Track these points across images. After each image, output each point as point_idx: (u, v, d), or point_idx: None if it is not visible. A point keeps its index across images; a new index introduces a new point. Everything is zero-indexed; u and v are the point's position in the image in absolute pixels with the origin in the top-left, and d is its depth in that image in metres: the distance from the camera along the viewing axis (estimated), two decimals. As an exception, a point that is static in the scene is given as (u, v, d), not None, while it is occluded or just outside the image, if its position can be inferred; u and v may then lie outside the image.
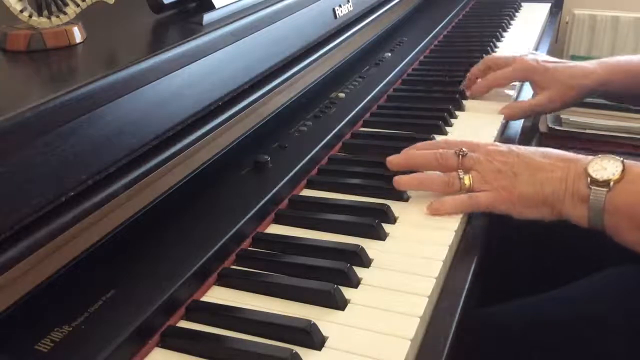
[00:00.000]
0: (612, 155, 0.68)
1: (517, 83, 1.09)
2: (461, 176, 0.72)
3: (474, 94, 1.05)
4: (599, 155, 0.68)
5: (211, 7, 0.76)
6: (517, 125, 1.01)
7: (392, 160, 0.77)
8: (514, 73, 1.01)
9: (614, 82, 0.97)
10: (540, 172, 0.70)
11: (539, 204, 0.70)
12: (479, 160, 0.73)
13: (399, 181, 0.74)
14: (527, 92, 1.10)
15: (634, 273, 0.79)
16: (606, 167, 0.67)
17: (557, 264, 0.92)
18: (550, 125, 1.73)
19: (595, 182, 0.67)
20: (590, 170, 0.67)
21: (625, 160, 0.67)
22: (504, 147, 0.74)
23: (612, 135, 1.67)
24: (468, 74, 1.07)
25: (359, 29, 1.09)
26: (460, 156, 0.73)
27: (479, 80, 1.05)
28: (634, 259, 0.77)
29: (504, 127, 0.98)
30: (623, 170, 0.66)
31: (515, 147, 0.74)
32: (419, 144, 0.80)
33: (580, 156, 0.71)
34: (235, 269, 0.62)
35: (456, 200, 0.71)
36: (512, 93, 1.06)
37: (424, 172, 0.75)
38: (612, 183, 0.66)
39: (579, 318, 0.77)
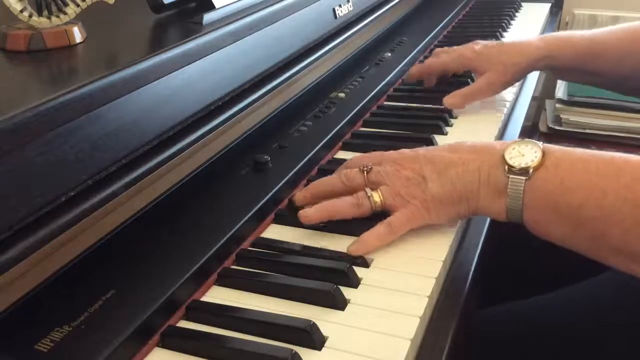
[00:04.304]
0: (531, 140, 0.62)
1: (516, 88, 1.08)
2: (369, 194, 0.66)
3: (408, 77, 1.07)
4: (516, 140, 0.63)
5: (211, 7, 0.76)
6: (517, 125, 1.01)
7: (298, 197, 0.70)
8: (451, 62, 1.02)
9: (558, 58, 0.95)
10: (449, 169, 0.64)
11: (454, 202, 0.64)
12: (385, 173, 0.67)
13: (306, 215, 0.66)
14: (528, 92, 1.10)
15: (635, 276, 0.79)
16: (524, 152, 0.61)
17: (558, 265, 0.92)
18: (550, 125, 1.73)
19: (512, 170, 0.61)
20: (507, 158, 0.61)
21: (545, 145, 0.62)
22: (409, 151, 0.69)
23: (612, 135, 1.67)
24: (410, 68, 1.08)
25: (359, 29, 1.09)
26: (366, 172, 0.68)
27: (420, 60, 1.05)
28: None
29: (504, 127, 0.98)
30: (543, 156, 0.60)
31: (422, 150, 0.69)
32: (324, 178, 0.72)
33: (497, 143, 0.66)
34: (235, 269, 0.62)
35: (373, 234, 0.64)
36: (511, 97, 1.06)
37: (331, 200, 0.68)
38: (531, 170, 0.60)
39: (579, 321, 0.77)
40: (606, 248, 0.59)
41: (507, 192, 0.61)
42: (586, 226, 0.59)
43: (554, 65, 0.97)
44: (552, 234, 0.62)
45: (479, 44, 1.00)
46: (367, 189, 0.66)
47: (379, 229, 0.64)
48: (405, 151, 0.70)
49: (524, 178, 0.60)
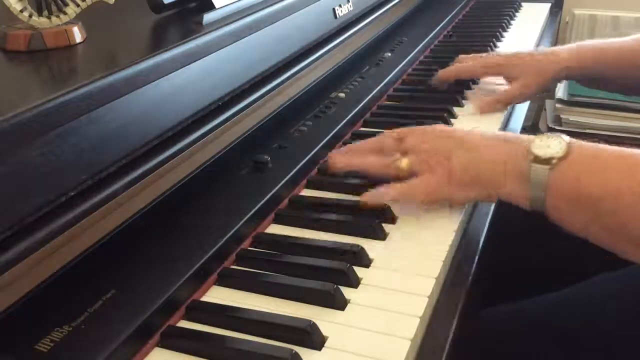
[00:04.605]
0: (558, 134, 0.65)
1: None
2: (397, 157, 0.70)
3: (436, 80, 1.05)
4: (545, 133, 0.65)
5: (211, 7, 0.76)
6: (517, 125, 1.01)
7: (334, 154, 0.75)
8: (477, 68, 1.02)
9: (585, 67, 0.96)
10: (476, 151, 0.67)
11: (474, 183, 0.67)
12: (416, 142, 0.70)
13: (333, 156, 0.72)
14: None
15: (638, 275, 0.79)
16: (549, 144, 0.63)
17: (558, 265, 0.92)
18: (550, 125, 1.73)
19: (537, 159, 0.63)
20: (533, 148, 0.64)
21: (571, 140, 0.64)
22: (442, 127, 0.73)
23: (612, 135, 1.67)
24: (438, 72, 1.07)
25: (359, 29, 1.09)
26: (398, 140, 0.72)
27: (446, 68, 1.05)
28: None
29: (504, 127, 0.98)
30: (568, 149, 0.63)
31: (455, 129, 0.72)
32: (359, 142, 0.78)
33: (524, 136, 0.68)
34: (236, 269, 0.62)
35: (390, 187, 0.69)
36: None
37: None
38: (554, 161, 0.62)
39: (580, 321, 0.77)
40: (625, 240, 0.60)
41: (531, 180, 0.63)
42: (605, 218, 0.60)
43: (584, 74, 0.99)
44: (572, 224, 0.63)
45: (509, 52, 1.02)
46: (397, 154, 0.70)
47: (397, 184, 0.68)
48: (439, 125, 0.74)
49: (548, 167, 0.62)
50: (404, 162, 0.69)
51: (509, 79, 1.00)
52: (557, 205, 0.63)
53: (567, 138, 0.64)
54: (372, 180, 0.76)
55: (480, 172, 0.66)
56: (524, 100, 1.01)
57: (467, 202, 0.70)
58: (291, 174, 0.74)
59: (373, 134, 0.90)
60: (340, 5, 1.02)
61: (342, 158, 0.73)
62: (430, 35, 1.30)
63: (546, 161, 0.62)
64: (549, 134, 0.65)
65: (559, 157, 0.62)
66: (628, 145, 0.65)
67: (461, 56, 1.09)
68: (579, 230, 0.63)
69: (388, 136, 0.73)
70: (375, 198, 0.68)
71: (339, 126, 0.87)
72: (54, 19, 0.62)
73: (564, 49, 0.98)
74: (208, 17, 0.73)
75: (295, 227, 0.68)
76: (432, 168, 0.68)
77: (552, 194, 0.63)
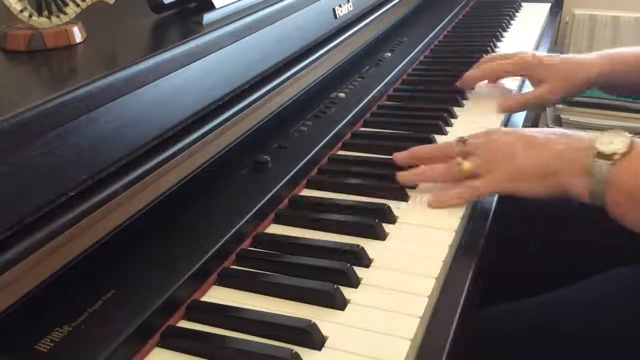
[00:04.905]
0: (622, 131, 0.67)
1: (517, 81, 1.08)
2: (459, 161, 0.72)
3: (466, 81, 1.04)
4: (609, 130, 0.67)
5: (211, 7, 0.76)
6: (517, 126, 1.01)
7: (398, 156, 0.78)
8: (512, 66, 1.01)
9: (615, 73, 0.96)
10: (541, 146, 0.70)
11: (540, 176, 0.69)
12: (478, 144, 0.73)
13: (402, 177, 0.75)
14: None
15: (637, 275, 0.79)
16: (613, 141, 0.66)
17: (558, 266, 0.92)
18: (550, 126, 1.73)
19: (600, 154, 0.65)
20: (597, 143, 0.66)
21: (634, 137, 0.66)
22: (503, 128, 0.75)
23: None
24: (466, 73, 1.07)
25: (359, 29, 1.09)
26: (460, 143, 0.74)
27: (474, 67, 1.05)
28: (637, 260, 0.77)
29: (505, 126, 0.98)
30: (630, 146, 0.65)
31: (518, 128, 0.74)
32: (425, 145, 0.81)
33: (584, 132, 0.70)
34: (236, 269, 0.62)
35: (455, 190, 0.72)
36: (514, 90, 1.06)
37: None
38: (616, 157, 0.65)
39: (580, 320, 0.77)
40: None
41: (592, 175, 0.65)
42: None
43: (612, 82, 0.99)
44: (628, 219, 0.66)
45: (540, 53, 1.02)
46: (459, 158, 0.73)
47: (461, 189, 0.71)
48: (499, 127, 0.76)
49: (609, 163, 0.65)
50: (466, 165, 0.72)
51: (536, 81, 0.99)
52: (617, 200, 0.65)
53: (630, 135, 0.66)
54: (371, 179, 0.77)
55: (546, 167, 0.68)
56: (549, 105, 1.01)
57: (533, 196, 0.71)
58: (291, 174, 0.74)
59: (373, 134, 0.91)
60: (340, 5, 1.02)
61: (409, 175, 0.75)
62: (430, 35, 1.30)
63: (609, 157, 0.65)
64: (612, 130, 0.67)
65: (621, 152, 0.64)
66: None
67: (486, 57, 1.09)
68: (635, 225, 0.66)
69: (450, 142, 0.76)
70: (440, 204, 0.71)
71: (339, 126, 0.87)
72: (54, 19, 0.62)
73: (593, 56, 0.98)
74: (208, 17, 0.73)
75: (295, 227, 0.68)
76: (494, 168, 0.70)
77: (612, 189, 0.65)
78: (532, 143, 0.71)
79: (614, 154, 0.65)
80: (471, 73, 1.05)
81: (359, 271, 0.60)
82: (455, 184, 0.73)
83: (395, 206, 0.71)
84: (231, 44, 0.73)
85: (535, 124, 1.80)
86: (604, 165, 0.65)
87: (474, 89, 1.06)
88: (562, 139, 0.70)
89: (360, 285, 0.59)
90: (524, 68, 1.00)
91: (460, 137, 0.75)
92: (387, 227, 0.68)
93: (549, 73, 0.97)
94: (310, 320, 0.53)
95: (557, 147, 0.69)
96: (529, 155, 0.70)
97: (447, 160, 0.74)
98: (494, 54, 1.09)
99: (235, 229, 0.63)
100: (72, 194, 0.51)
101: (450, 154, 0.75)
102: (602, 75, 0.96)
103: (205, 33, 0.69)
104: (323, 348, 0.52)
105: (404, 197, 0.74)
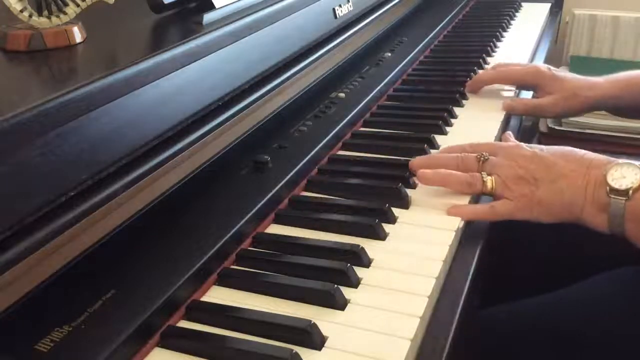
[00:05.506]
0: (631, 162, 0.68)
1: (513, 88, 1.08)
2: (485, 179, 0.72)
3: (475, 84, 1.05)
4: (618, 162, 0.68)
5: (211, 7, 0.76)
6: (517, 125, 1.01)
7: (414, 162, 0.78)
8: (524, 74, 1.03)
9: (623, 97, 0.97)
10: (561, 179, 0.70)
11: (558, 211, 0.70)
12: (500, 165, 0.73)
13: (423, 175, 0.74)
14: (528, 92, 1.10)
15: (637, 275, 0.79)
16: (625, 175, 0.67)
17: (558, 266, 0.92)
18: (550, 125, 1.73)
19: (614, 191, 0.67)
20: (610, 179, 0.67)
21: None
22: (527, 150, 0.74)
23: (612, 135, 1.67)
24: (475, 76, 1.07)
25: (359, 29, 1.09)
26: (482, 161, 0.74)
27: (487, 68, 1.05)
28: (637, 261, 0.77)
29: (505, 126, 0.98)
30: None
31: (538, 149, 0.74)
32: (444, 148, 0.81)
33: (601, 159, 0.71)
34: (236, 269, 0.62)
35: (477, 208, 0.72)
36: (511, 95, 1.06)
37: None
38: (631, 192, 0.66)
39: (580, 321, 0.77)
40: None
41: (609, 211, 0.67)
42: None
43: (620, 105, 0.99)
44: None
45: (553, 68, 1.03)
46: (483, 174, 0.73)
47: (483, 208, 0.72)
48: (523, 147, 0.75)
49: (624, 199, 0.66)
50: (489, 182, 0.72)
51: (543, 92, 1.00)
52: (634, 231, 0.67)
53: (638, 165, 0.67)
54: (371, 179, 0.77)
55: (564, 201, 0.69)
56: (550, 116, 1.02)
57: (546, 222, 0.71)
58: (291, 174, 0.74)
59: (373, 134, 0.91)
60: (340, 5, 1.02)
61: (431, 175, 0.74)
62: (430, 35, 1.30)
63: (624, 192, 0.66)
64: (621, 162, 0.68)
65: (634, 187, 0.66)
66: (628, 146, 0.65)
67: (498, 63, 1.10)
68: None
69: (470, 156, 0.75)
70: (457, 215, 0.70)
71: (339, 126, 0.87)
72: (54, 19, 0.62)
73: (601, 80, 0.99)
74: (208, 17, 0.73)
75: (295, 227, 0.68)
76: (517, 197, 0.70)
77: (630, 222, 0.66)
78: (552, 173, 0.70)
79: (628, 189, 0.66)
80: (483, 75, 1.06)
81: (359, 271, 0.60)
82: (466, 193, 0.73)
83: (395, 206, 0.71)
84: (231, 44, 0.73)
85: (535, 124, 1.80)
86: (619, 202, 0.66)
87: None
88: (582, 170, 0.70)
89: (360, 285, 0.59)
90: (536, 77, 1.01)
91: (481, 154, 0.74)
92: (387, 227, 0.68)
93: (557, 86, 0.99)
94: (310, 320, 0.53)
95: (576, 182, 0.69)
96: (551, 188, 0.70)
97: (466, 171, 0.74)
98: (507, 61, 1.10)
99: (235, 229, 0.63)
100: (72, 194, 0.51)
101: (471, 168, 0.74)
102: (608, 98, 0.98)
103: (205, 33, 0.69)
104: (323, 348, 0.52)
105: (404, 198, 0.73)
